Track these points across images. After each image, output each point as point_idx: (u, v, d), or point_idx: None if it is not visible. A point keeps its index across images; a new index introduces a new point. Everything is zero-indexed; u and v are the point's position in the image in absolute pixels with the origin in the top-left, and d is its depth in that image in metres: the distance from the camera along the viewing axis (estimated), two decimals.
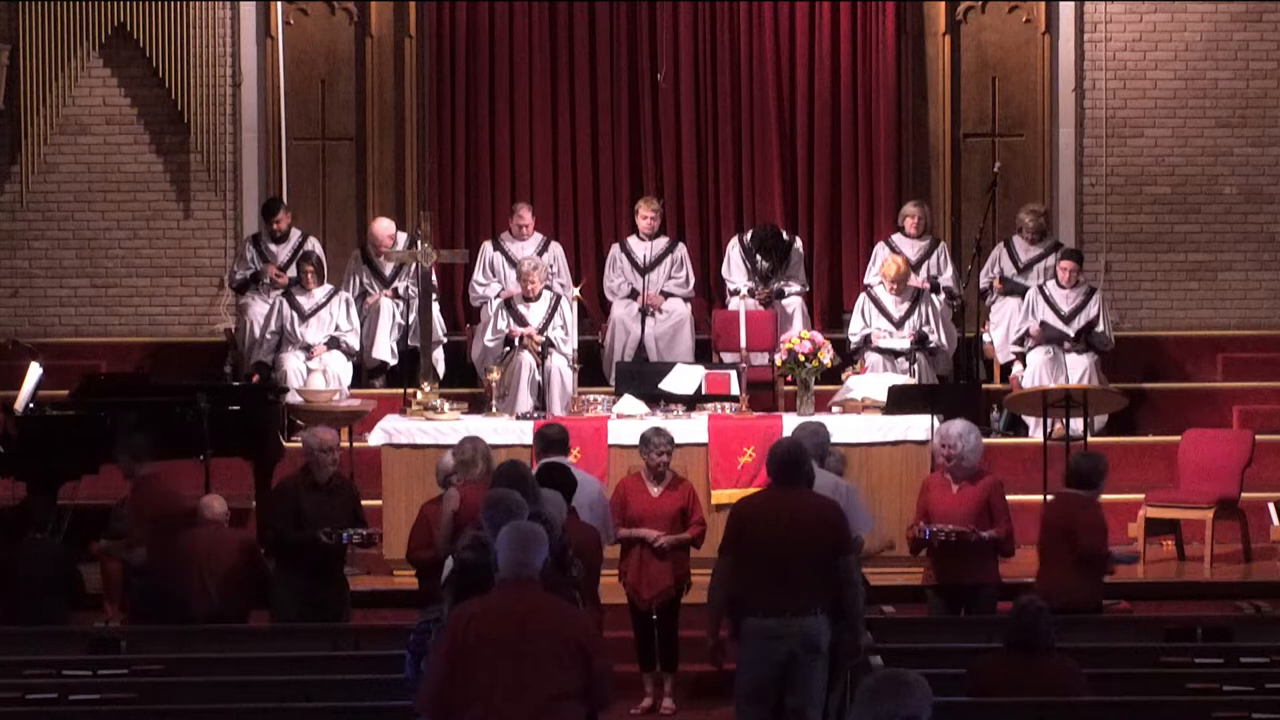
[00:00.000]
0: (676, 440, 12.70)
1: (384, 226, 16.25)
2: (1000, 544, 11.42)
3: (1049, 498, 12.50)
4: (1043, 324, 15.87)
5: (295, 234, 16.40)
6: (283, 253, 16.31)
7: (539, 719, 7.33)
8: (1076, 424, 14.24)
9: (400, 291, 16.10)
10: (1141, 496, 14.26)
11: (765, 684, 9.73)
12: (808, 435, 11.23)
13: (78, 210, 17.05)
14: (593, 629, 7.63)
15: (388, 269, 16.28)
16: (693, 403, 14.35)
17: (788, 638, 9.64)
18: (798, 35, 17.25)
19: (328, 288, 15.93)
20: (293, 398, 14.89)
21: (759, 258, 16.49)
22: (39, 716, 9.30)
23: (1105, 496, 14.07)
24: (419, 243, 14.85)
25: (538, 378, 15.33)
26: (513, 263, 16.14)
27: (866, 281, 16.34)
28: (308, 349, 15.72)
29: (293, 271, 16.06)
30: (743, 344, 14.73)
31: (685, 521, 11.99)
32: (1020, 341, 16.04)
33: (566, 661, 7.37)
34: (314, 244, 16.42)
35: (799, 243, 16.79)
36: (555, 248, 16.60)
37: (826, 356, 14.35)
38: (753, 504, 10.15)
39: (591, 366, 15.72)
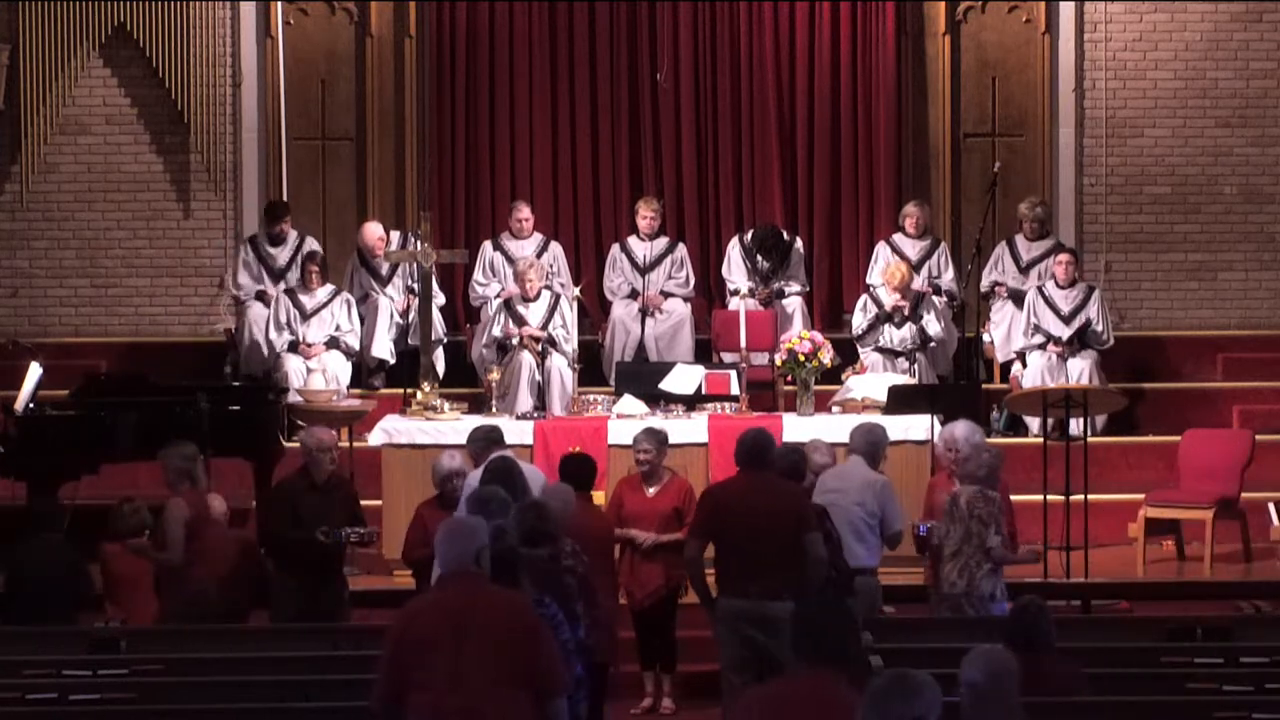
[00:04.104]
0: (677, 440, 12.75)
1: (373, 230, 16.24)
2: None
3: None
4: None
5: (293, 235, 16.37)
6: (282, 255, 16.29)
7: (477, 705, 7.38)
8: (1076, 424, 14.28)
9: (410, 288, 16.02)
10: (1141, 496, 14.26)
11: (743, 659, 10.20)
12: (863, 434, 11.47)
13: (78, 210, 17.05)
14: (535, 617, 7.62)
15: (384, 269, 16.27)
16: (693, 403, 14.36)
17: (751, 622, 10.12)
18: (798, 35, 17.25)
19: (330, 288, 15.92)
20: (293, 398, 14.89)
21: (759, 258, 16.49)
22: (39, 716, 9.30)
23: (1104, 497, 14.18)
24: (418, 243, 14.85)
25: (538, 378, 15.33)
26: (512, 262, 16.14)
27: (869, 282, 16.35)
28: (307, 347, 15.71)
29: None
30: (743, 344, 14.73)
31: (680, 521, 11.98)
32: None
33: (508, 650, 7.43)
34: (312, 244, 16.40)
35: (799, 243, 16.79)
36: (555, 247, 16.60)
37: (826, 356, 14.35)
38: (722, 489, 10.68)
39: (591, 366, 15.71)
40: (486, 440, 11.52)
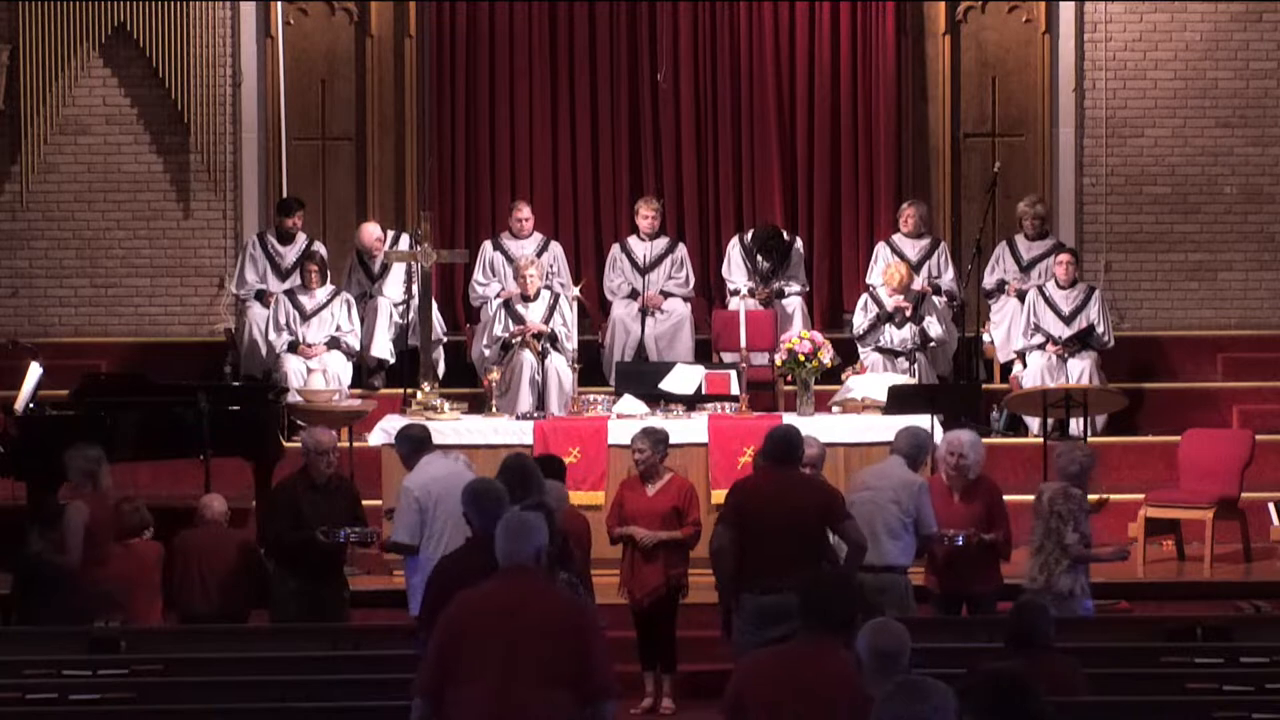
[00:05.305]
0: (677, 440, 12.75)
1: (371, 230, 16.25)
2: (999, 548, 11.51)
3: None
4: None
5: (302, 236, 16.37)
6: (290, 254, 16.29)
7: (526, 702, 7.37)
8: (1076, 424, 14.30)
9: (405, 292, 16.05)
10: (1141, 496, 14.26)
11: None
12: (908, 437, 11.44)
13: (78, 210, 17.05)
14: (591, 618, 7.65)
15: (376, 267, 16.27)
16: (693, 403, 14.36)
17: (782, 618, 9.92)
18: (798, 35, 17.25)
19: (330, 288, 15.92)
20: (293, 398, 14.89)
21: (759, 258, 16.49)
22: (39, 716, 9.30)
23: (1104, 497, 14.17)
24: (418, 243, 14.85)
25: (538, 377, 15.33)
26: (512, 261, 16.14)
27: (869, 282, 16.35)
28: (307, 347, 15.71)
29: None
30: (743, 344, 14.73)
31: (680, 521, 11.98)
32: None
33: (560, 649, 7.42)
34: (319, 247, 16.41)
35: (799, 243, 16.80)
36: (555, 247, 16.60)
37: (826, 356, 14.35)
38: (751, 484, 10.68)
39: (591, 366, 15.72)
40: (414, 441, 11.46)
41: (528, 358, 15.32)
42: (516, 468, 9.59)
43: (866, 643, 6.91)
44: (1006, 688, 6.13)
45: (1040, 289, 16.00)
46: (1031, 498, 13.55)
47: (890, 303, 15.74)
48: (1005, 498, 11.80)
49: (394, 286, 16.16)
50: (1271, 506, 14.13)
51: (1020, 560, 12.48)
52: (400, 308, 16.08)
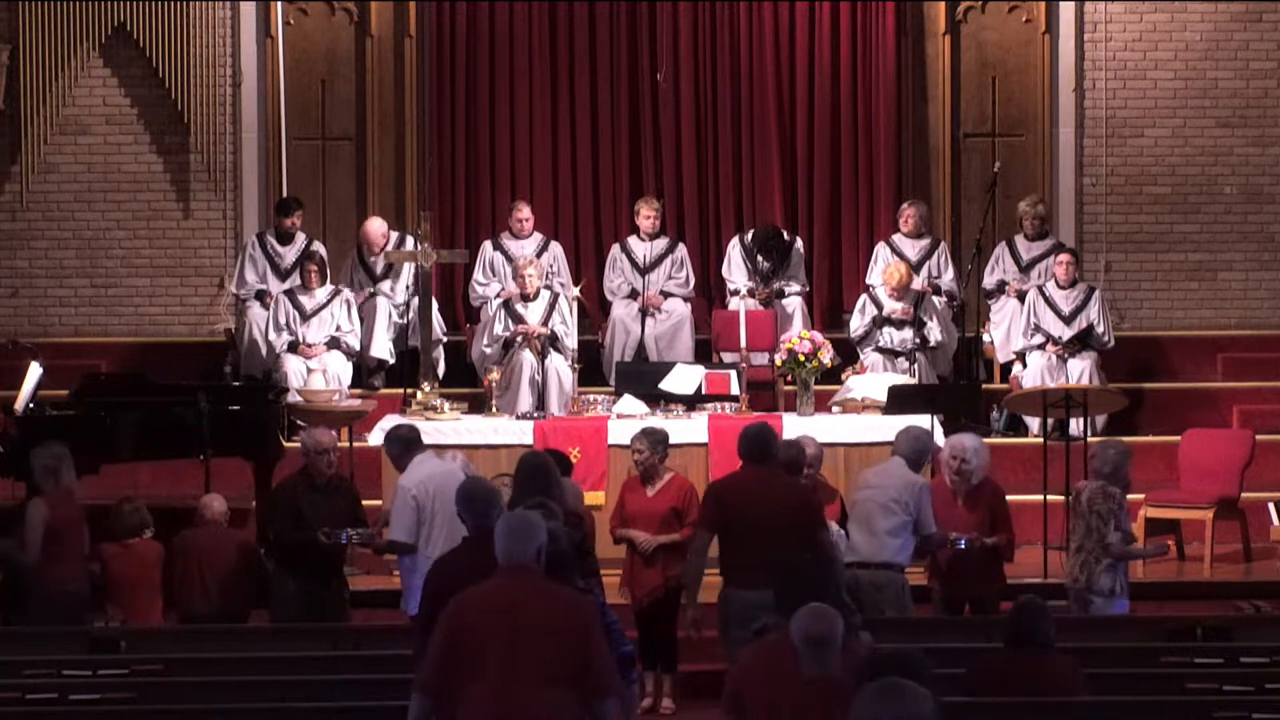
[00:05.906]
0: (677, 440, 12.75)
1: (376, 227, 16.24)
2: (1002, 551, 11.52)
3: None
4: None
5: (301, 236, 16.37)
6: (289, 254, 16.29)
7: (527, 702, 7.38)
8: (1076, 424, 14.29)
9: (403, 290, 16.05)
10: (1141, 496, 14.24)
11: None
12: (910, 439, 11.44)
13: (78, 210, 17.05)
14: (593, 616, 7.65)
15: (379, 267, 16.27)
16: (693, 403, 14.36)
17: (766, 610, 9.91)
18: (798, 35, 17.26)
19: (329, 288, 15.92)
20: (293, 398, 14.88)
21: (759, 258, 16.49)
22: (39, 716, 9.30)
23: None
24: (418, 243, 14.86)
25: (537, 377, 15.33)
26: (511, 261, 16.15)
27: (868, 282, 16.35)
28: (307, 347, 15.71)
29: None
30: (743, 344, 14.74)
31: (680, 521, 11.98)
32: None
33: (560, 648, 7.42)
34: (319, 247, 16.41)
35: (799, 243, 16.80)
36: (555, 247, 16.60)
37: (826, 356, 14.36)
38: (733, 481, 10.75)
39: (591, 366, 15.73)
40: (404, 442, 11.43)
41: (528, 358, 15.32)
42: (532, 466, 9.57)
43: (798, 628, 6.99)
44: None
45: (1040, 289, 15.99)
46: (1031, 498, 13.64)
47: (890, 305, 15.73)
48: (1006, 498, 11.80)
49: (394, 286, 16.16)
50: (1271, 506, 14.12)
51: (1025, 560, 12.51)
52: (400, 308, 16.09)
